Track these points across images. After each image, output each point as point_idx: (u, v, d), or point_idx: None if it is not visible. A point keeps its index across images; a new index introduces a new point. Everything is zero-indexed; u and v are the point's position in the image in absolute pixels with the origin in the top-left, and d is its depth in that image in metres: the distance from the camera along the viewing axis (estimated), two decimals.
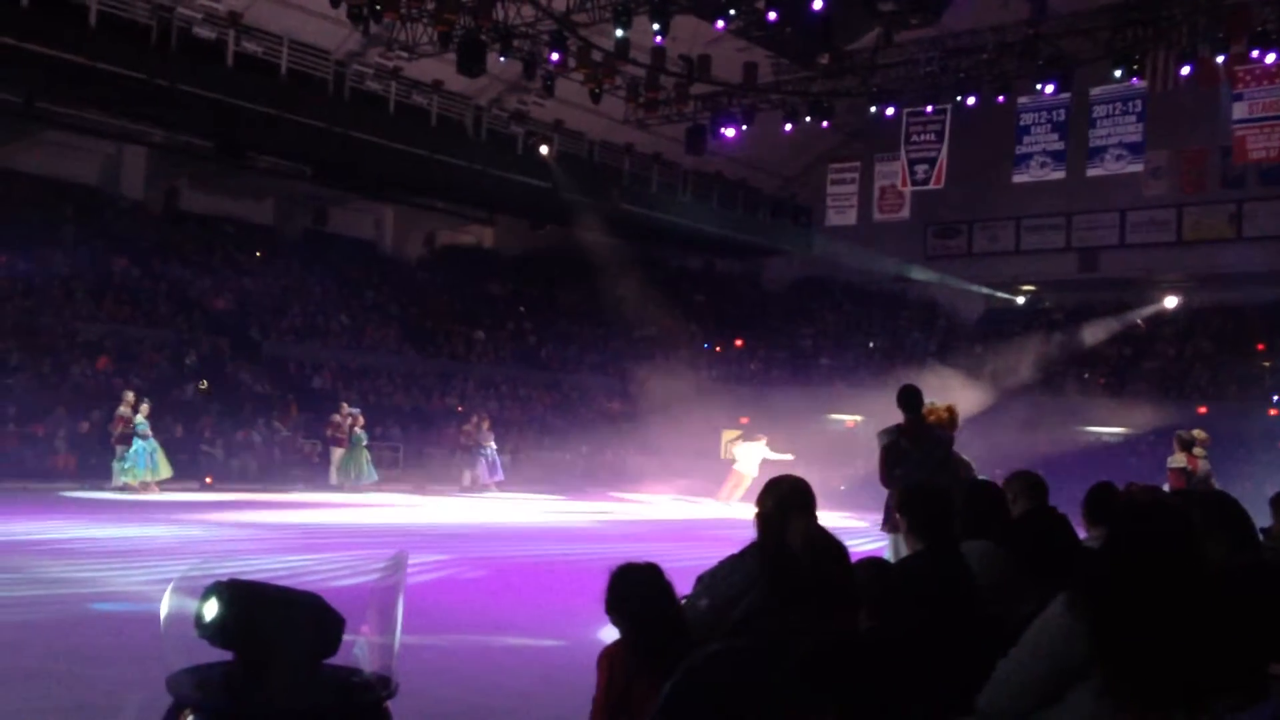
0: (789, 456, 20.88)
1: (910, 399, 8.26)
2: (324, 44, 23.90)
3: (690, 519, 19.91)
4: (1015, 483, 5.18)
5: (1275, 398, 24.78)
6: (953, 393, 14.19)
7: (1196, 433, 11.74)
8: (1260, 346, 27.44)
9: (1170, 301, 30.58)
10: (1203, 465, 11.37)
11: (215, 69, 21.75)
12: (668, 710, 3.17)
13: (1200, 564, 2.85)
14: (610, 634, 3.86)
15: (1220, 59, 20.56)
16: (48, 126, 24.66)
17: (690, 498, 23.85)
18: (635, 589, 3.60)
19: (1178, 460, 11.41)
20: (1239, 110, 20.35)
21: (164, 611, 3.05)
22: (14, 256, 23.12)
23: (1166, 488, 10.25)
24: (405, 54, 23.82)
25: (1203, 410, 23.54)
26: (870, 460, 8.52)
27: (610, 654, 3.59)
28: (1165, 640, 2.66)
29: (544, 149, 27.35)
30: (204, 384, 23.77)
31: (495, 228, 35.78)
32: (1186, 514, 3.14)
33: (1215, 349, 28.34)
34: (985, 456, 10.19)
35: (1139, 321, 30.41)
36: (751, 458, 21.77)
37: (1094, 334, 29.86)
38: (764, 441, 21.94)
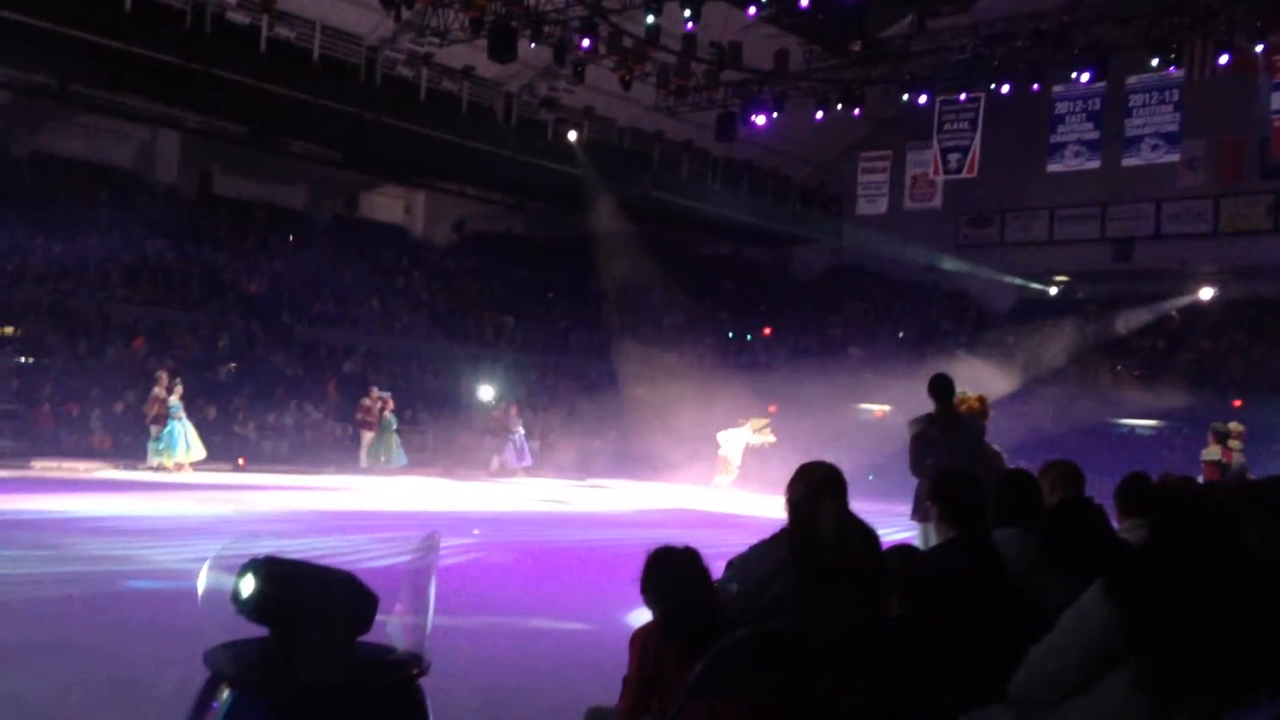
0: (771, 439, 20.79)
1: (941, 388, 8.23)
2: (356, 30, 24.00)
3: (711, 510, 19.92)
4: (1052, 471, 5.15)
5: None
6: (984, 383, 14.10)
7: (1232, 425, 11.65)
8: None
9: (1205, 293, 30.22)
10: (1237, 458, 11.29)
11: (248, 54, 21.88)
12: (698, 691, 3.19)
13: (1242, 555, 2.83)
14: (639, 618, 3.88)
15: (1259, 48, 20.28)
16: (83, 110, 24.92)
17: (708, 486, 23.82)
18: (672, 572, 3.62)
19: (1212, 453, 11.34)
20: (1278, 100, 20.08)
21: (201, 587, 3.09)
22: (50, 239, 23.40)
23: (1201, 479, 10.17)
24: (437, 40, 23.86)
25: (1237, 403, 23.28)
26: (900, 450, 8.49)
27: (643, 635, 3.61)
28: (1202, 630, 2.64)
29: (572, 135, 27.33)
30: (232, 366, 24.00)
31: (525, 214, 35.82)
32: (1230, 505, 3.12)
33: (1250, 341, 28.01)
34: (1016, 446, 10.13)
35: (1173, 313, 30.09)
36: (735, 443, 21.70)
37: (1128, 323, 29.57)
38: (748, 426, 21.86)
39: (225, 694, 2.91)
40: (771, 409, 28.45)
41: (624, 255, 30.92)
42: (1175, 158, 22.25)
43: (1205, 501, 3.06)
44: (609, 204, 29.18)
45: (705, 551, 3.76)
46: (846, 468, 4.27)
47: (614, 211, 29.54)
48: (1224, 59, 20.60)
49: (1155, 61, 21.23)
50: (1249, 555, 2.85)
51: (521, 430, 24.32)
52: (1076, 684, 2.84)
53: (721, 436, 22.25)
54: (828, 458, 4.27)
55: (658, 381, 31.06)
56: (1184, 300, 30.20)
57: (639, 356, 31.84)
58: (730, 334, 34.33)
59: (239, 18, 22.03)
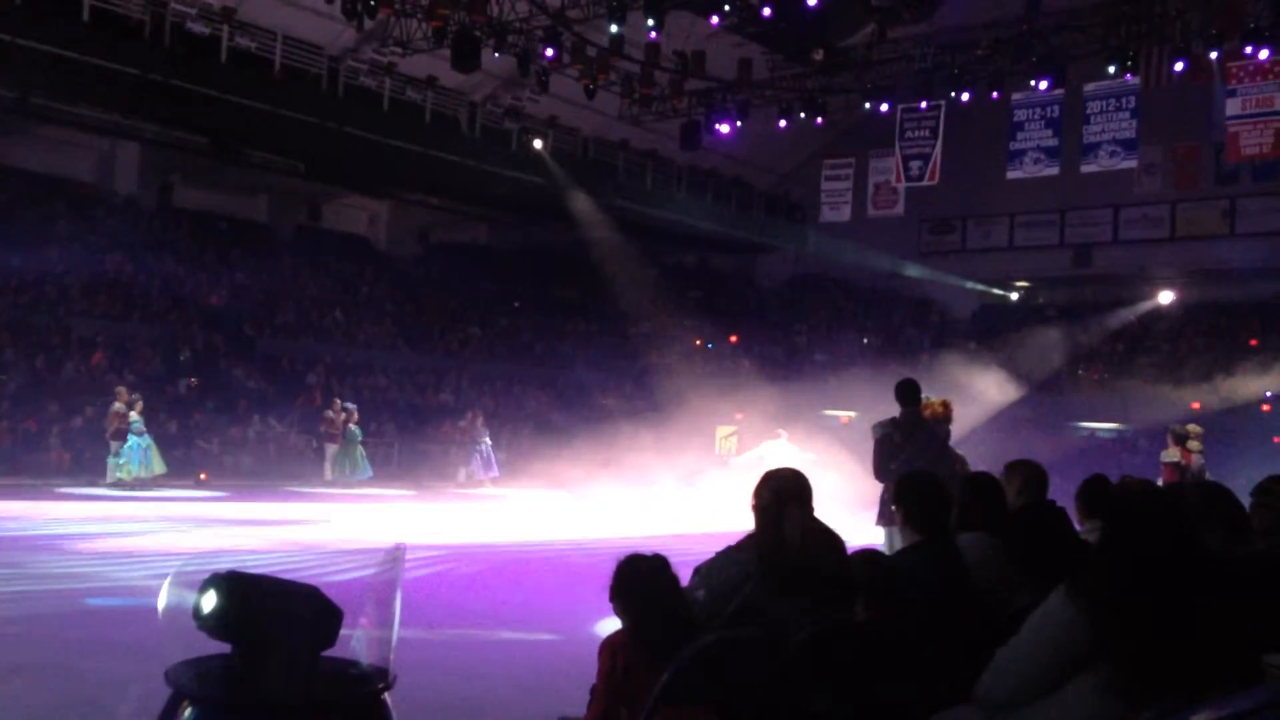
0: (811, 456, 20.64)
1: (905, 393, 8.30)
2: (318, 40, 23.87)
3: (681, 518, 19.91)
4: (1017, 472, 5.18)
5: (1268, 393, 24.84)
6: (948, 389, 14.20)
7: (1190, 427, 11.79)
8: (1253, 342, 27.51)
9: (1164, 297, 30.65)
10: (1197, 460, 11.42)
11: (209, 65, 21.71)
12: (666, 698, 3.19)
13: (1197, 554, 2.87)
14: (607, 627, 3.87)
15: (1214, 55, 20.59)
16: (41, 122, 24.58)
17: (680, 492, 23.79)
18: (641, 579, 3.63)
19: (1172, 454, 11.47)
20: (1232, 106, 20.40)
21: (162, 603, 3.05)
22: (7, 252, 23.04)
23: (1160, 482, 10.29)
24: (399, 50, 23.78)
25: (1196, 406, 23.60)
26: (864, 455, 8.55)
27: (611, 643, 3.61)
28: (1163, 630, 2.67)
29: (537, 143, 27.32)
30: (193, 380, 23.73)
31: (490, 224, 35.74)
32: (1182, 504, 3.16)
33: (1208, 345, 28.41)
34: (979, 453, 10.21)
35: (1132, 318, 30.50)
36: (779, 457, 21.42)
37: (1089, 331, 29.91)
38: (785, 438, 21.62)
39: (188, 711, 2.88)
40: (739, 416, 28.54)
41: (592, 265, 30.88)
42: (1132, 164, 22.52)
43: (1151, 501, 3.10)
44: (576, 214, 29.14)
45: (674, 559, 3.76)
46: (811, 473, 4.29)
47: (581, 221, 29.51)
48: (1179, 66, 20.88)
49: (1112, 69, 21.49)
50: (1206, 555, 2.89)
51: (488, 440, 24.23)
52: (1044, 686, 2.86)
53: (763, 450, 21.67)
54: (791, 462, 4.28)
55: (625, 391, 31.09)
56: (1144, 305, 30.60)
57: (606, 367, 31.88)
58: (697, 342, 34.39)
59: (199, 28, 21.85)
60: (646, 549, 3.80)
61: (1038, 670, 2.88)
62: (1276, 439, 22.02)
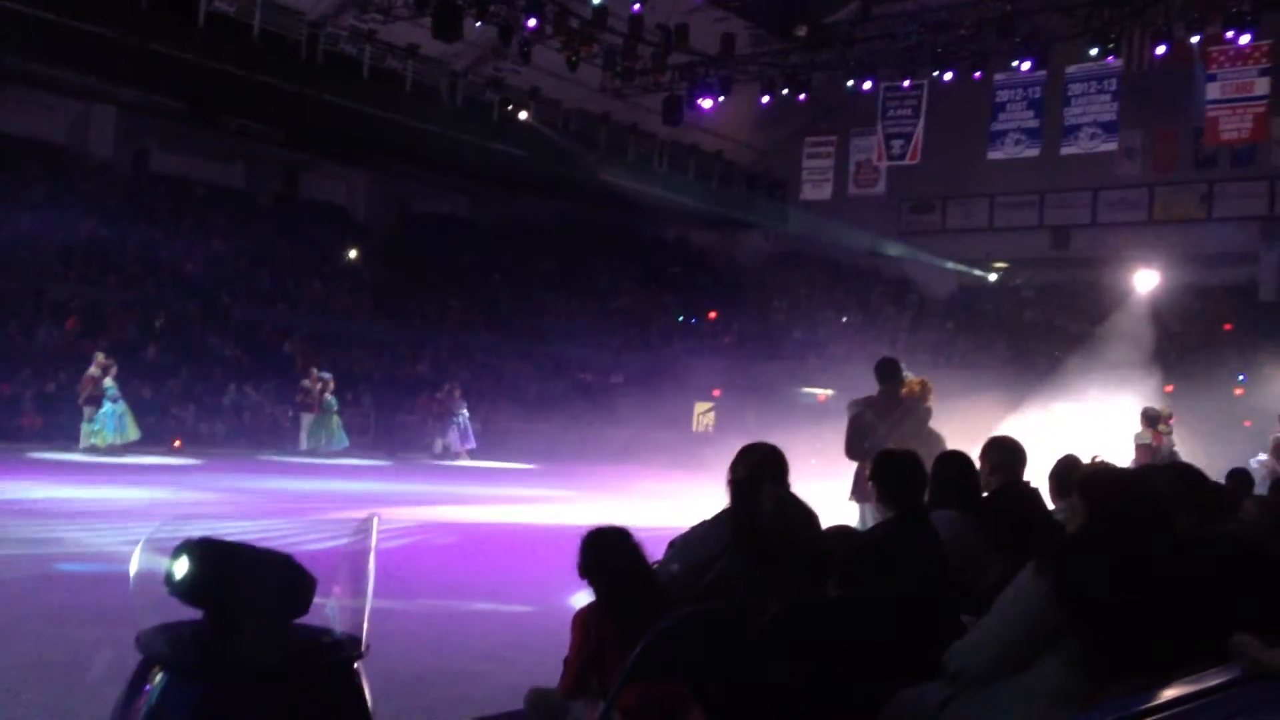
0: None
1: (883, 371, 8.33)
2: (298, 5, 23.60)
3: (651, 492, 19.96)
4: (994, 449, 5.20)
5: (1241, 377, 25.05)
6: (923, 368, 14.25)
7: (1162, 409, 11.90)
8: (1227, 326, 27.72)
9: (1140, 280, 30.80)
10: (1168, 441, 11.55)
11: (187, 28, 21.46)
12: (638, 671, 3.20)
13: (1168, 535, 2.89)
14: (581, 599, 3.88)
15: (1195, 39, 20.66)
16: (14, 83, 24.23)
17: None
18: (606, 552, 3.64)
19: (1144, 436, 11.58)
20: (1212, 91, 20.48)
21: (134, 569, 3.03)
22: None
23: (1132, 462, 10.40)
24: (380, 17, 23.55)
25: (1169, 389, 23.78)
26: (840, 433, 8.57)
27: (584, 615, 3.62)
28: (1133, 609, 2.70)
29: (523, 114, 27.15)
30: (155, 345, 23.40)
31: (470, 196, 35.54)
32: (1155, 486, 3.19)
33: (1183, 328, 28.61)
34: (955, 431, 10.26)
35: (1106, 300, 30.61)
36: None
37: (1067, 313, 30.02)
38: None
39: (158, 677, 2.86)
40: (716, 393, 28.62)
41: (572, 238, 30.64)
42: (1112, 147, 22.58)
43: (1124, 483, 3.12)
44: (557, 187, 28.93)
45: (640, 531, 3.77)
46: (789, 450, 4.30)
47: (562, 194, 29.28)
48: (1161, 50, 20.95)
49: (1094, 51, 21.53)
50: (1175, 536, 2.91)
51: (465, 413, 24.19)
52: (1014, 662, 2.89)
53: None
54: (771, 439, 4.29)
55: (604, 365, 31.10)
56: (1120, 288, 30.76)
57: (586, 341, 31.86)
58: (678, 318, 34.41)
59: None
60: (616, 521, 3.81)
61: (1008, 646, 2.91)
62: (1247, 423, 22.21)
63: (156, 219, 26.83)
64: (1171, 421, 12.25)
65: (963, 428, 8.53)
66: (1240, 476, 7.81)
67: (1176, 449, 11.82)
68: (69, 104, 26.55)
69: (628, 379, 29.80)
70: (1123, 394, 17.54)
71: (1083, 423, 14.56)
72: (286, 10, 23.31)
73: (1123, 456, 10.73)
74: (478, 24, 22.58)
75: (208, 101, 24.39)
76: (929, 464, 4.66)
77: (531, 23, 22.55)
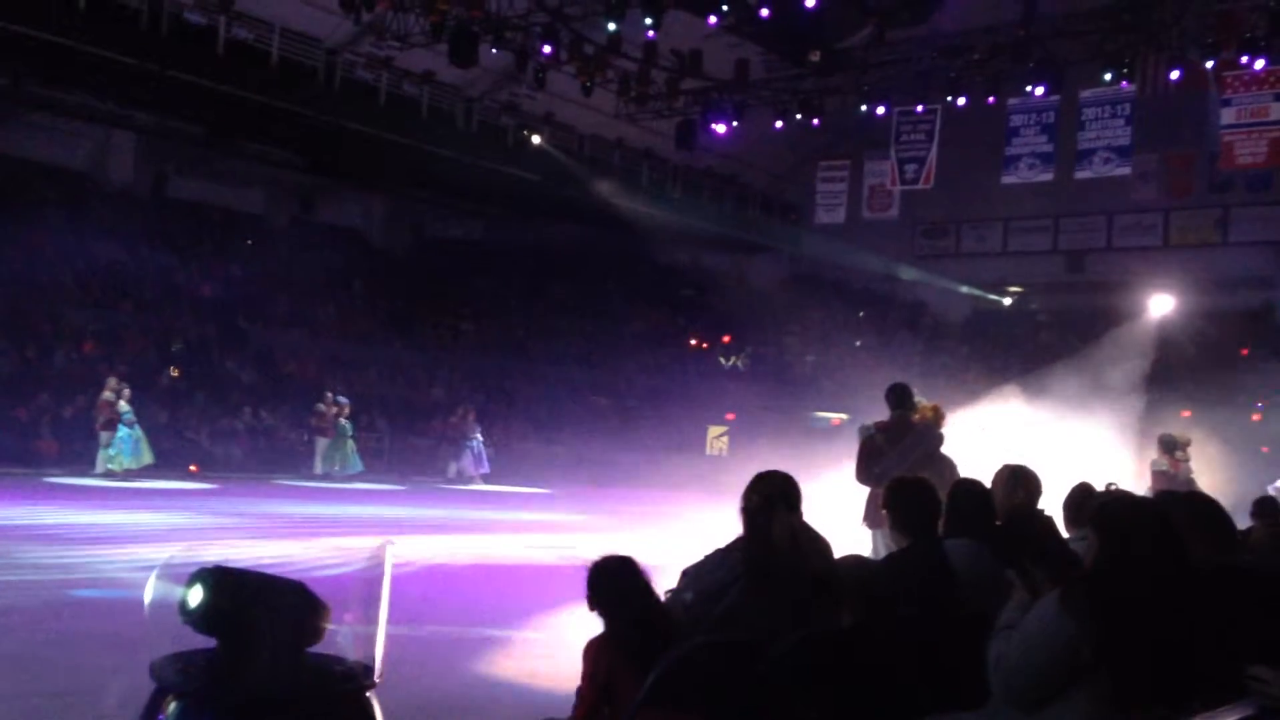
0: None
1: (894, 396, 8.31)
2: (315, 32, 23.78)
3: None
4: (1010, 477, 5.17)
5: (1259, 404, 24.88)
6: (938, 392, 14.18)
7: (1179, 435, 11.82)
8: (1244, 351, 27.55)
9: (1156, 305, 30.65)
10: (1185, 468, 11.45)
11: (205, 55, 21.62)
12: (650, 701, 3.18)
13: (1184, 565, 2.88)
14: (593, 628, 3.87)
15: (1209, 64, 20.63)
16: (35, 109, 24.49)
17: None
18: (610, 582, 3.64)
19: (1160, 463, 11.49)
20: (1227, 116, 20.44)
21: (148, 597, 3.04)
22: None
23: (1149, 490, 10.31)
24: (397, 44, 23.70)
25: (1186, 414, 23.62)
26: (854, 457, 8.53)
27: (594, 645, 3.61)
28: (1152, 640, 2.68)
29: (537, 139, 27.28)
30: (173, 370, 23.58)
31: (484, 220, 35.68)
32: (1170, 516, 3.17)
33: (1199, 353, 28.44)
34: (967, 457, 10.21)
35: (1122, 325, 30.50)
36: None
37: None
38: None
39: (172, 706, 2.87)
40: (729, 416, 28.57)
41: (586, 263, 30.66)
42: (1127, 171, 22.54)
43: (1139, 513, 3.11)
44: (571, 212, 28.94)
45: (653, 559, 3.76)
46: (802, 473, 4.30)
47: (576, 219, 29.34)
48: (1175, 74, 20.93)
49: (1108, 76, 21.53)
50: (1187, 565, 2.90)
51: (479, 437, 24.20)
52: (1044, 695, 2.88)
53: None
54: (784, 467, 4.29)
55: (617, 390, 31.09)
56: (1136, 313, 30.62)
57: (599, 365, 31.88)
58: (691, 341, 34.40)
59: (196, 18, 21.76)
60: (624, 550, 3.81)
61: (1046, 671, 2.89)
62: (1265, 449, 22.04)
63: (174, 244, 27.03)
64: (1189, 449, 12.15)
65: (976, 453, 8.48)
66: (1267, 504, 7.73)
67: (1194, 476, 11.72)
68: (89, 130, 26.80)
69: (641, 402, 29.79)
70: (1118, 416, 17.46)
71: (1080, 445, 14.43)
72: (304, 37, 23.50)
73: (1127, 479, 10.62)
74: (493, 50, 22.72)
75: (226, 127, 24.59)
76: (942, 491, 4.64)
77: (547, 49, 22.69)
